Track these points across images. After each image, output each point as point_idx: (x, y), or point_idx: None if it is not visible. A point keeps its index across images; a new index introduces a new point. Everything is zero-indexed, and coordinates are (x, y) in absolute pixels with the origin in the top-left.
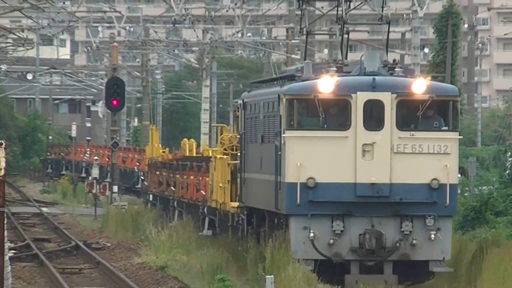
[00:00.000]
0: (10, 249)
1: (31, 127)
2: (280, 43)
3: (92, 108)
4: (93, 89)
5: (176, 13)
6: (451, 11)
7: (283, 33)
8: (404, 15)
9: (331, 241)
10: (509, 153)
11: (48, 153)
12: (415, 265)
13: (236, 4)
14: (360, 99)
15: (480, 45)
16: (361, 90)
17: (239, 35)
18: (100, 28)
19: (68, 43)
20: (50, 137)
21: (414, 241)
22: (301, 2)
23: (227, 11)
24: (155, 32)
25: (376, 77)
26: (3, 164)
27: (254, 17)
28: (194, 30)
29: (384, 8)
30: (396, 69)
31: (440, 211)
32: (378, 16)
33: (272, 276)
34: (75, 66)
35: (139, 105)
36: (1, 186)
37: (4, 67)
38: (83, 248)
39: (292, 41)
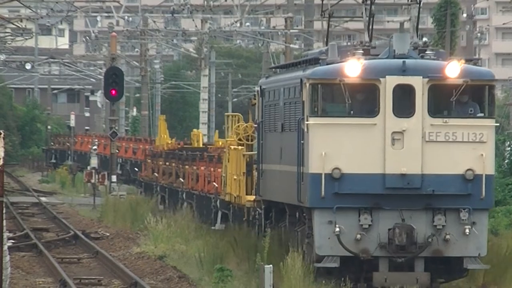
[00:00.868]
0: (9, 238)
1: (29, 117)
2: (279, 33)
3: (91, 98)
4: (91, 79)
5: (174, 3)
6: (449, 0)
7: (281, 22)
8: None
9: (358, 236)
10: (508, 143)
11: (52, 143)
12: (448, 261)
13: None
14: (389, 83)
15: (479, 34)
16: (390, 74)
17: (238, 24)
18: (98, 18)
19: (66, 33)
20: (49, 127)
21: (448, 236)
22: None
23: (225, 0)
24: (154, 22)
25: (407, 60)
26: (2, 154)
27: (252, 7)
28: (193, 20)
29: None
30: (427, 52)
31: (475, 204)
32: None
33: (271, 265)
34: (74, 56)
35: (138, 94)
36: (0, 176)
37: (2, 56)
38: (81, 237)
39: (291, 31)
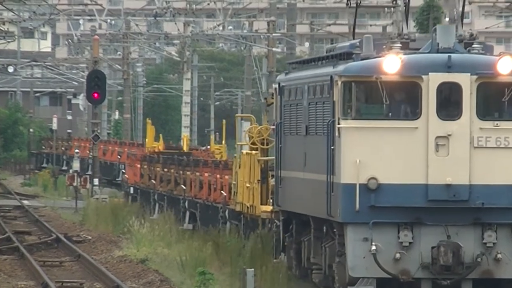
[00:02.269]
0: None
1: (12, 120)
2: (261, 36)
3: (73, 101)
4: (74, 82)
5: (157, 6)
6: (432, 4)
7: (264, 26)
8: (386, 8)
9: (398, 255)
10: None
11: (43, 147)
12: (499, 284)
13: None
14: (432, 81)
15: None
16: (434, 71)
17: (220, 28)
18: (81, 21)
19: (49, 36)
20: (31, 130)
21: (499, 255)
22: None
23: (208, 4)
24: (136, 25)
25: (452, 55)
26: None
27: (235, 10)
28: (175, 23)
29: None
30: (474, 45)
31: None
32: None
33: (253, 269)
34: (56, 59)
35: (120, 98)
36: None
37: None
38: (64, 241)
39: (273, 34)
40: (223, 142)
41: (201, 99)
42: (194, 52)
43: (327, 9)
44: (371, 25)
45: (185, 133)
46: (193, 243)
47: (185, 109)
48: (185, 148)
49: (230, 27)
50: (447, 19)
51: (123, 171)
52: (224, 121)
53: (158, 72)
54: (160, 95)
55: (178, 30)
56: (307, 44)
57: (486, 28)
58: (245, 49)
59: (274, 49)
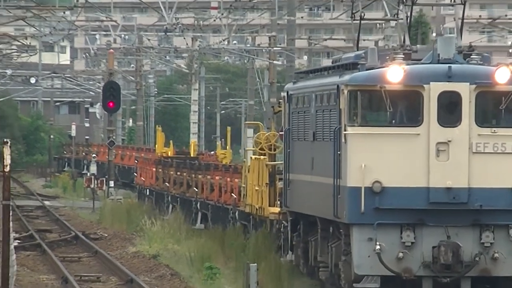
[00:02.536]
0: (15, 239)
1: (34, 127)
2: (263, 50)
3: (90, 110)
4: (91, 92)
5: (167, 22)
6: (420, 20)
7: (265, 41)
8: (377, 24)
9: (401, 254)
10: None
11: (65, 152)
12: (496, 282)
13: (222, 14)
14: (433, 90)
15: None
16: (435, 80)
17: (226, 42)
18: (97, 36)
19: (68, 50)
20: (51, 136)
21: (496, 255)
22: None
23: (214, 20)
24: (148, 39)
25: (452, 65)
26: (9, 161)
27: (239, 26)
28: (184, 38)
29: None
30: (472, 56)
31: None
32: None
33: (256, 264)
34: (75, 71)
35: (134, 107)
36: (7, 181)
37: (9, 71)
38: (82, 238)
39: (274, 48)
40: (228, 147)
41: (208, 108)
42: (201, 64)
43: (323, 25)
44: (364, 40)
45: (193, 139)
46: (201, 240)
47: (193, 117)
48: (192, 154)
49: (235, 42)
50: (434, 34)
51: (135, 174)
52: (228, 128)
53: (168, 83)
54: (170, 104)
55: (187, 44)
56: (305, 57)
57: (470, 42)
58: (248, 62)
59: (275, 62)
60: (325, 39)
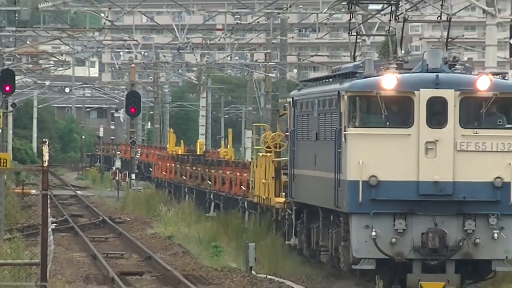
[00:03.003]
0: (52, 223)
1: (68, 129)
2: (260, 65)
3: (115, 114)
4: (116, 100)
5: (180, 42)
6: (393, 40)
7: (262, 57)
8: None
9: (393, 240)
10: None
11: (97, 150)
12: (477, 264)
13: (226, 34)
14: (423, 96)
15: None
16: (424, 87)
17: (229, 58)
18: (121, 53)
19: (96, 64)
20: (83, 137)
21: (477, 240)
22: (350, 4)
23: (219, 40)
24: (164, 56)
25: (439, 74)
26: (47, 157)
27: (240, 45)
28: (194, 55)
29: (445, 7)
30: (456, 66)
31: (503, 210)
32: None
33: (254, 243)
34: (102, 82)
35: (151, 112)
36: (46, 174)
37: (47, 82)
38: (108, 222)
39: (269, 63)
40: (229, 146)
41: (214, 113)
42: (208, 76)
43: (310, 44)
44: (344, 56)
45: (200, 140)
46: (208, 224)
47: (201, 121)
48: (198, 152)
49: (236, 58)
50: (403, 51)
51: (151, 169)
52: (230, 129)
53: (181, 92)
54: (182, 109)
55: (196, 60)
56: (295, 70)
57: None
58: (248, 74)
59: (270, 74)
60: (312, 56)
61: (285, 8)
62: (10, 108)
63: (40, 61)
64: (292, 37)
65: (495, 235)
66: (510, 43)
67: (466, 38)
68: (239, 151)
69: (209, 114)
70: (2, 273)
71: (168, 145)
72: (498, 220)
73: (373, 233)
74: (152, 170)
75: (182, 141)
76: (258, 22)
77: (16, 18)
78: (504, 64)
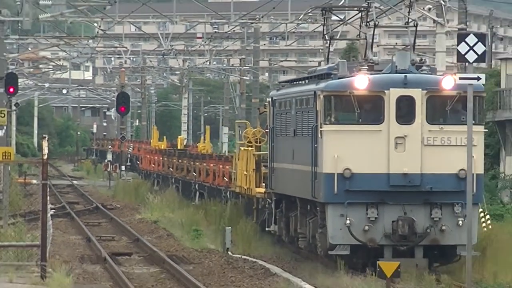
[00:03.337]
0: (51, 209)
1: (65, 126)
2: (236, 69)
3: (107, 113)
4: (108, 100)
5: (164, 48)
6: (352, 47)
7: (237, 62)
8: (320, 49)
9: (366, 227)
10: None
11: (93, 144)
12: (443, 249)
13: (205, 42)
14: (393, 95)
15: None
16: (394, 87)
17: (208, 63)
18: (112, 58)
19: (90, 68)
20: (78, 133)
21: (443, 227)
22: (324, 11)
23: (199, 47)
24: (150, 61)
25: (408, 75)
26: (46, 151)
27: (218, 51)
28: (177, 60)
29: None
30: (423, 67)
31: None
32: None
33: (230, 227)
34: (96, 84)
35: (139, 111)
36: (45, 166)
37: (47, 84)
38: (101, 208)
39: (244, 67)
40: (207, 141)
41: (194, 111)
42: (190, 79)
43: (280, 50)
44: (310, 61)
45: (182, 135)
46: (190, 210)
47: (184, 119)
48: (179, 146)
49: (214, 62)
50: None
51: (138, 162)
52: (208, 126)
53: (165, 93)
54: (166, 109)
55: (179, 64)
56: (266, 74)
57: (421, 57)
58: (224, 77)
59: (244, 77)
60: (281, 61)
61: (257, 19)
62: (13, 108)
63: (40, 66)
64: (264, 44)
65: (460, 222)
66: (457, 49)
67: (419, 45)
68: (217, 145)
69: (190, 113)
70: (7, 254)
71: (152, 140)
72: (462, 208)
73: (348, 221)
74: (139, 163)
75: (165, 137)
76: (234, 31)
77: (19, 28)
78: (452, 68)
